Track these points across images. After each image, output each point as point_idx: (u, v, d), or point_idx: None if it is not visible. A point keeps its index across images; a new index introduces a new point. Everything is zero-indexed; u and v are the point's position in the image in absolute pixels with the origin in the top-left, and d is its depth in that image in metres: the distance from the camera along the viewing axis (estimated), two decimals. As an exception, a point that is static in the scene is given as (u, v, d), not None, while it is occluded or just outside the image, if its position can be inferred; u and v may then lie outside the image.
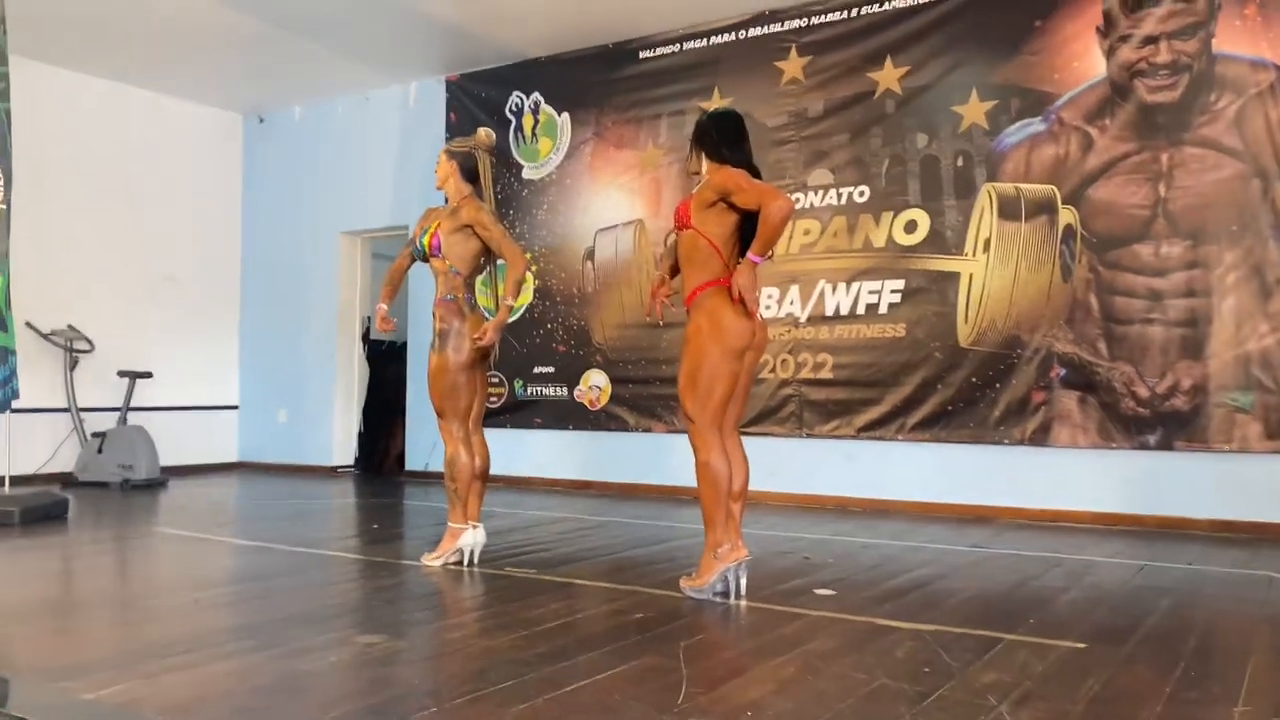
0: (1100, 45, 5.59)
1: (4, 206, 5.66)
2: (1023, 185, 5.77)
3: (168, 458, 7.81)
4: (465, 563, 4.17)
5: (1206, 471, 5.29)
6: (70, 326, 7.70)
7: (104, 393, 7.86)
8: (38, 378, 7.34)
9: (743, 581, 3.54)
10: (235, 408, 9.11)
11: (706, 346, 3.49)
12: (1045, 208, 5.71)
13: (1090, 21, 5.62)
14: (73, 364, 7.68)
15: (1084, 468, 5.59)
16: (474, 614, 3.50)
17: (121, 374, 7.83)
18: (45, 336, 7.53)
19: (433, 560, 4.19)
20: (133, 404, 7.86)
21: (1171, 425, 5.34)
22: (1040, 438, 5.67)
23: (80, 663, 2.75)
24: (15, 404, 5.75)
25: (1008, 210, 5.81)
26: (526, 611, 3.35)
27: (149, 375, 7.97)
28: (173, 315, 8.55)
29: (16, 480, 5.87)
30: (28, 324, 7.28)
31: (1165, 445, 5.35)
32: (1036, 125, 5.75)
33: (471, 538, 4.18)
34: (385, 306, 4.36)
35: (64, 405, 7.66)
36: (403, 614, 3.45)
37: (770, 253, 3.51)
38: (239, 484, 7.91)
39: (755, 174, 3.60)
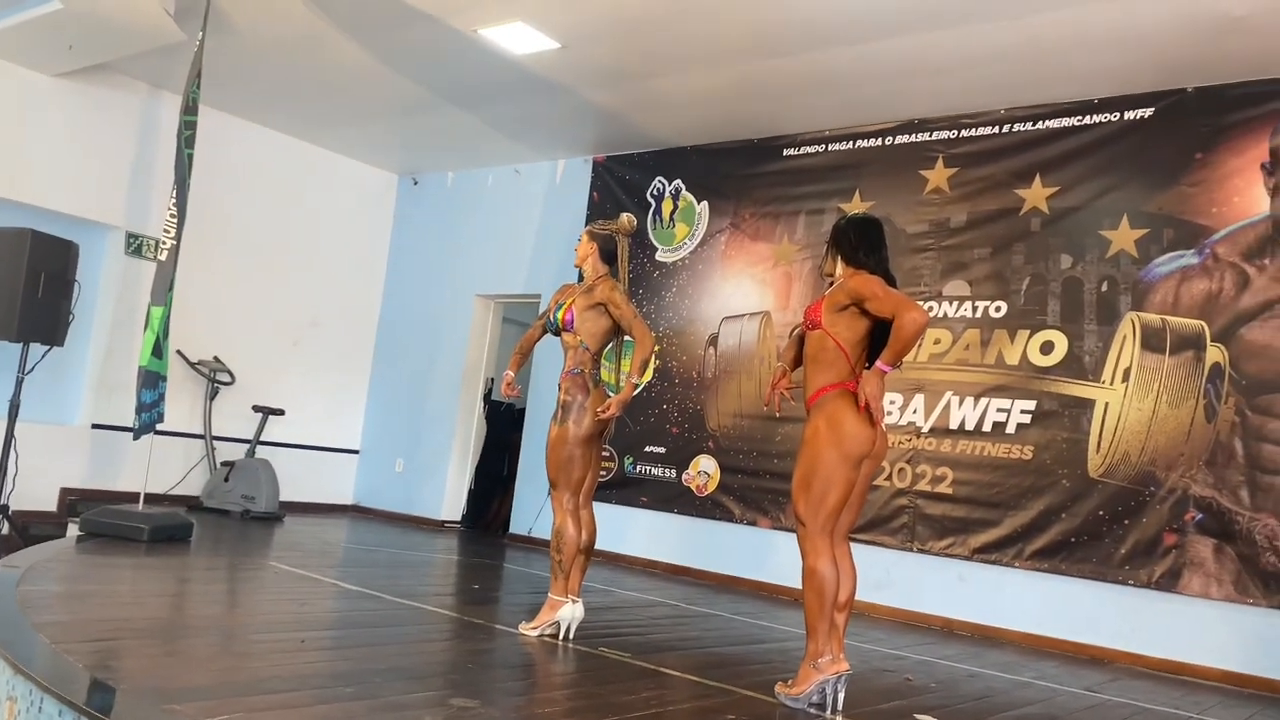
0: (1265, 183, 5.40)
1: (175, 243, 6.07)
2: (1170, 318, 5.57)
3: (287, 493, 8.09)
4: (561, 636, 4.17)
5: (1354, 643, 4.91)
6: (216, 358, 8.12)
7: (238, 424, 8.23)
8: (180, 404, 7.74)
9: (840, 696, 3.43)
10: (356, 452, 9.42)
11: (824, 450, 3.44)
12: (1192, 343, 5.48)
13: (1256, 158, 5.44)
14: (213, 394, 8.08)
15: (1215, 621, 5.25)
16: (565, 691, 3.49)
17: (256, 409, 8.19)
18: (192, 365, 7.96)
19: (530, 630, 4.20)
20: (262, 438, 8.22)
21: (1317, 588, 4.99)
22: (1168, 583, 5.37)
23: (187, 687, 2.85)
24: (158, 426, 6.10)
25: (1151, 341, 5.61)
26: (617, 696, 3.31)
27: (281, 413, 8.31)
28: (310, 358, 8.94)
29: (149, 499, 6.16)
30: (178, 352, 7.70)
31: (1309, 608, 5.00)
32: (1189, 258, 5.57)
33: (570, 612, 4.18)
34: (512, 374, 4.46)
35: (200, 432, 8.05)
36: (496, 681, 3.46)
37: (899, 363, 3.48)
38: (350, 527, 8.12)
39: (891, 282, 3.59)
